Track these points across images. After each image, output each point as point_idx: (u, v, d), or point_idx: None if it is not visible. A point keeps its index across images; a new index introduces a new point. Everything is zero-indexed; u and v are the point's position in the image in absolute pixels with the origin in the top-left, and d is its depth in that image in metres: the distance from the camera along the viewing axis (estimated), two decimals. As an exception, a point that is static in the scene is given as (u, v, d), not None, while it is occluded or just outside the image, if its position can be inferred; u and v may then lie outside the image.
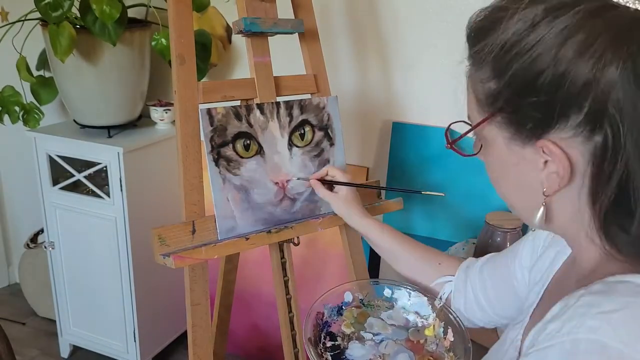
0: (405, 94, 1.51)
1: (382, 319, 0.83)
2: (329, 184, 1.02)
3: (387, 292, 0.87)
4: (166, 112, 1.70)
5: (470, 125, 0.58)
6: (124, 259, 1.62)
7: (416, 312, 0.85)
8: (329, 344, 0.78)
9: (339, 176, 1.02)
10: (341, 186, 1.00)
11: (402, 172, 1.52)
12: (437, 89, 1.47)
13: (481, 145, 0.58)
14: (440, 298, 0.83)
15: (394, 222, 1.55)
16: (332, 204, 1.00)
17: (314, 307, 0.81)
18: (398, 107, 1.53)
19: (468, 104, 0.57)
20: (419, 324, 0.83)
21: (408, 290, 0.87)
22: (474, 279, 0.80)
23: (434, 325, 0.82)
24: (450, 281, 0.84)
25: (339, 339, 0.79)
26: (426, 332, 0.81)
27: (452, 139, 0.61)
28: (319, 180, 1.03)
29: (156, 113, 1.70)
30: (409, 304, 0.86)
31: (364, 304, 0.86)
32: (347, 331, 0.80)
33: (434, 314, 0.83)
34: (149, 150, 1.62)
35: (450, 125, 0.63)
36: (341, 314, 0.83)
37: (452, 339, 0.78)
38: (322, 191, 1.02)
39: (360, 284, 0.88)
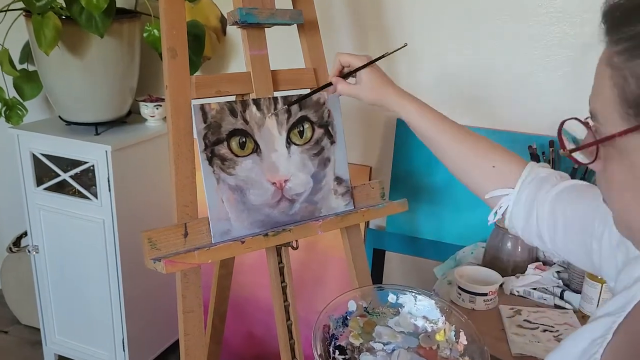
0: (411, 87, 1.49)
1: (390, 327, 0.84)
2: (347, 76, 0.93)
3: (391, 297, 0.87)
4: (157, 108, 1.70)
5: (584, 123, 0.49)
6: (112, 263, 1.62)
7: (424, 317, 0.85)
8: (339, 358, 0.78)
9: (354, 61, 0.91)
10: (362, 72, 0.90)
11: (407, 171, 1.52)
12: (444, 81, 1.47)
13: (597, 152, 0.49)
14: (496, 213, 0.74)
15: (398, 224, 1.55)
16: (361, 97, 0.91)
17: (319, 320, 0.80)
18: (403, 102, 1.53)
19: (601, 100, 0.47)
20: (429, 329, 0.83)
21: (414, 294, 0.87)
22: (543, 207, 0.70)
23: (444, 330, 0.82)
24: (507, 194, 0.73)
25: (348, 351, 0.80)
26: (437, 337, 0.81)
27: (571, 147, 0.51)
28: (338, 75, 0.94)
29: (146, 109, 1.70)
30: (416, 309, 0.86)
31: (368, 312, 0.86)
32: (356, 343, 0.81)
33: (443, 317, 0.83)
34: (138, 148, 1.62)
35: (562, 124, 0.53)
36: (347, 325, 0.83)
37: (465, 343, 0.78)
38: (345, 87, 0.92)
39: (363, 291, 0.89)
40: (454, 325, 0.81)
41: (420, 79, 1.50)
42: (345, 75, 0.95)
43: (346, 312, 0.85)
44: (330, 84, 0.96)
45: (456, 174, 0.80)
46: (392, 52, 0.93)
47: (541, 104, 1.38)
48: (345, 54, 0.93)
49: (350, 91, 0.93)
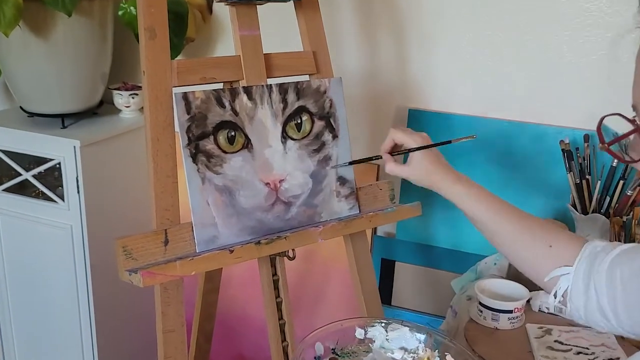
0: (425, 74, 1.51)
1: None
2: (397, 154, 0.98)
3: (359, 333, 0.87)
4: (133, 98, 1.70)
5: (629, 120, 0.50)
6: (82, 275, 1.62)
7: (402, 348, 0.85)
8: None
9: (408, 141, 0.96)
10: (415, 153, 0.95)
11: (419, 170, 1.51)
12: (463, 67, 1.46)
13: None
14: (555, 295, 0.77)
15: (410, 230, 1.54)
16: (411, 179, 0.96)
17: None
18: (415, 90, 1.53)
19: None
20: None
21: (382, 324, 0.87)
22: (600, 278, 0.73)
23: (428, 357, 0.83)
24: (568, 274, 0.77)
25: None
26: None
27: (610, 139, 0.53)
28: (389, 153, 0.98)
29: (120, 98, 1.70)
30: (389, 341, 0.86)
31: (337, 354, 0.86)
32: None
33: (423, 345, 0.84)
34: (111, 143, 1.62)
35: (603, 119, 0.55)
36: None
37: None
38: (394, 167, 0.97)
39: (327, 330, 0.87)
40: (436, 350, 0.82)
41: (436, 63, 1.49)
42: (393, 153, 0.99)
43: (315, 358, 0.84)
44: (379, 156, 1.01)
45: (511, 258, 0.85)
46: (457, 140, 0.96)
47: (573, 93, 1.37)
48: (400, 131, 0.97)
49: (401, 172, 0.97)
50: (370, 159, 1.07)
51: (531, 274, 0.82)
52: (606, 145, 0.51)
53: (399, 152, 0.99)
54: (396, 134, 0.97)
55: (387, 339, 0.86)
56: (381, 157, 1.00)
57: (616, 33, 1.27)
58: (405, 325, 0.85)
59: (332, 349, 0.86)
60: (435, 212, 1.50)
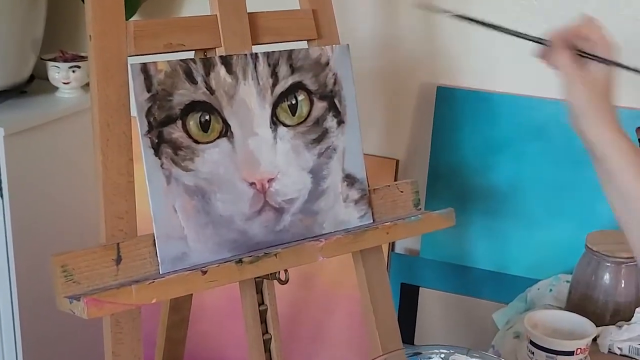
0: (458, 42, 1.51)
1: None
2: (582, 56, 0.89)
3: None
4: (73, 71, 1.70)
5: None
6: (5, 299, 1.61)
7: None
8: None
9: (602, 45, 0.88)
10: (597, 65, 0.88)
11: (451, 166, 1.52)
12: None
13: None
14: None
15: (439, 246, 1.54)
16: (573, 91, 0.89)
17: None
18: (446, 63, 1.53)
19: None
20: None
21: (441, 356, 0.87)
22: None
23: None
24: None
25: None
26: None
27: None
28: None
29: (57, 72, 1.70)
30: None
31: None
32: None
33: None
34: (45, 131, 1.62)
35: None
36: None
37: None
38: (570, 64, 0.88)
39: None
40: None
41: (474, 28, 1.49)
42: (575, 50, 0.90)
43: None
44: (547, 41, 0.92)
45: None
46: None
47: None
48: (598, 26, 0.89)
49: (572, 71, 0.88)
50: (537, 40, 0.93)
51: None
52: None
53: (586, 54, 0.89)
54: (592, 23, 0.88)
55: None
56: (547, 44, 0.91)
57: None
58: (474, 357, 0.85)
59: None
60: (472, 222, 1.51)
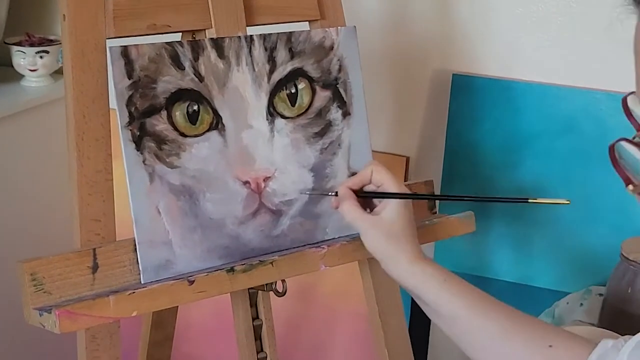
0: (476, 24, 1.52)
1: None
2: (367, 197, 1.03)
3: None
4: (41, 57, 1.70)
5: None
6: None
7: None
8: None
9: (388, 184, 1.01)
10: (386, 203, 1.00)
11: (470, 164, 1.53)
12: (535, 13, 1.48)
13: None
14: None
15: (455, 254, 1.55)
16: (365, 236, 1.00)
17: None
18: (463, 48, 1.54)
19: None
20: None
21: None
22: None
23: None
24: None
25: None
26: None
27: None
28: (352, 190, 1.03)
29: (23, 58, 1.70)
30: None
31: None
32: None
33: None
34: (10, 124, 1.62)
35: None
36: None
37: None
38: (353, 212, 1.01)
39: None
40: None
41: (497, 6, 1.50)
42: (363, 195, 1.03)
43: None
44: (335, 193, 1.06)
45: None
46: (539, 202, 1.04)
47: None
48: (384, 168, 1.02)
49: (357, 219, 1.00)
50: (323, 193, 1.09)
51: None
52: None
53: (369, 195, 1.03)
54: (378, 169, 1.02)
55: None
56: (336, 194, 1.05)
57: None
58: None
59: None
60: (493, 227, 1.51)
